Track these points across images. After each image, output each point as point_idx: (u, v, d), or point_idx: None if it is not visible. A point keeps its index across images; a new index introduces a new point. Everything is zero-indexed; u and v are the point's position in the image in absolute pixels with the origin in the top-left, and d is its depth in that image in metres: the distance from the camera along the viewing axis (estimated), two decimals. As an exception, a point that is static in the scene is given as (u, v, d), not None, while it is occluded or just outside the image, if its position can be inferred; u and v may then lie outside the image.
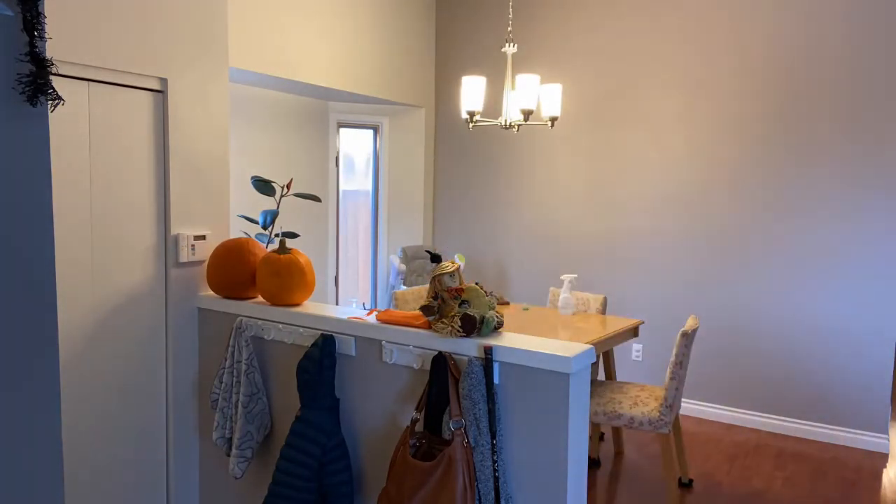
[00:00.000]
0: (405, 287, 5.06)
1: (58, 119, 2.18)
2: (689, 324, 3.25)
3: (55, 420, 1.49)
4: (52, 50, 2.11)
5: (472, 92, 3.74)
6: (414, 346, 2.07)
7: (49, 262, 1.47)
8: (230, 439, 2.41)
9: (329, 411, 2.14)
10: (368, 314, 2.29)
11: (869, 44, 3.95)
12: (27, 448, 1.45)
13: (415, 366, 2.07)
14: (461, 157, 5.55)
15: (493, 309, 2.04)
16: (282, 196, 2.64)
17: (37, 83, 1.39)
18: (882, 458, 3.92)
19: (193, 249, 2.58)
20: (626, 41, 4.74)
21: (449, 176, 5.63)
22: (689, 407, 4.61)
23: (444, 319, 2.01)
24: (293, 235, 2.64)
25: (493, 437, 1.86)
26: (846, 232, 4.06)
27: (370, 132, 5.63)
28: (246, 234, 2.73)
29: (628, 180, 4.78)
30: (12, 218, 1.41)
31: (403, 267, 5.06)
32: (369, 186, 5.69)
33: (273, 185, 2.61)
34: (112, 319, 2.38)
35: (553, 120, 3.82)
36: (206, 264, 2.65)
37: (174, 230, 2.53)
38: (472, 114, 3.76)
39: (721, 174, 4.44)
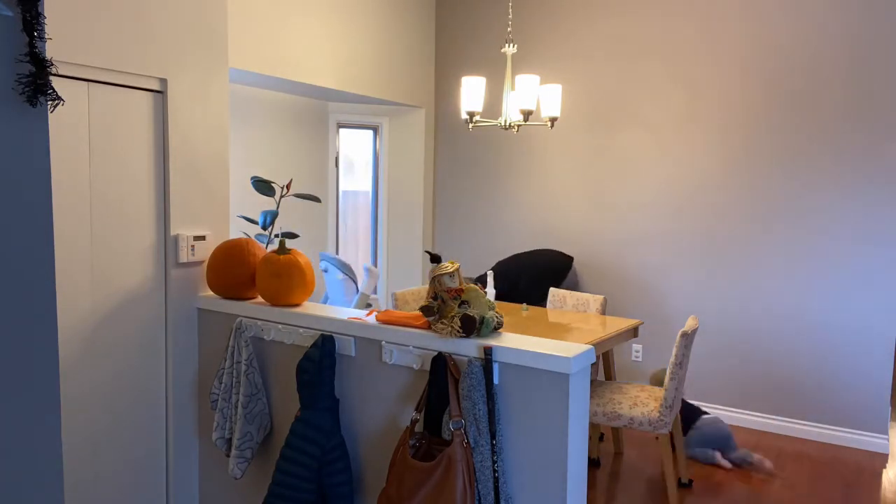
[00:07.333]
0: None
1: (58, 119, 2.18)
2: (689, 324, 3.25)
3: (55, 420, 1.49)
4: (52, 50, 2.11)
5: (471, 92, 3.73)
6: (414, 347, 2.07)
7: (49, 262, 1.47)
8: (230, 440, 2.41)
9: (329, 412, 2.14)
10: (368, 314, 2.29)
11: (876, 40, 3.94)
12: (27, 449, 1.45)
13: (414, 366, 2.07)
14: (461, 158, 5.55)
15: (493, 309, 2.05)
16: (281, 196, 2.64)
17: (36, 83, 1.39)
18: (882, 458, 3.92)
19: (193, 250, 2.58)
20: (626, 41, 4.74)
21: (449, 176, 5.63)
22: (689, 407, 4.61)
23: (443, 320, 2.01)
24: (293, 236, 2.64)
25: (493, 437, 1.86)
26: (847, 232, 4.06)
27: (370, 132, 5.63)
28: (246, 234, 2.73)
29: (628, 180, 4.78)
30: (12, 218, 1.41)
31: (376, 270, 5.04)
32: (369, 187, 5.69)
33: (273, 185, 2.61)
34: (112, 320, 2.38)
35: (553, 120, 3.82)
36: (205, 265, 2.65)
37: (174, 230, 2.53)
38: (471, 114, 3.76)
39: (721, 174, 4.44)
